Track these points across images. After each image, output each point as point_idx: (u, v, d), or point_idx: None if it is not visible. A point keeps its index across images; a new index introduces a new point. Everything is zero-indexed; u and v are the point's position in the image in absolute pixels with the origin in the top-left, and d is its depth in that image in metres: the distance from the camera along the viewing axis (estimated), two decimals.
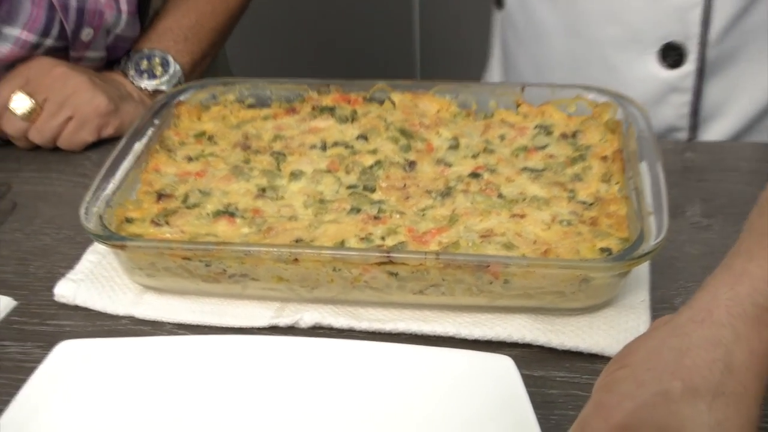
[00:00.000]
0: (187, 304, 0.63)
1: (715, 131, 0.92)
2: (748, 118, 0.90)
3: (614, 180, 0.66)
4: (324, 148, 0.73)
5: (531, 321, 0.59)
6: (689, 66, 0.87)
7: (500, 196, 0.66)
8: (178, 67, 0.92)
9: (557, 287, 0.60)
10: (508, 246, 0.61)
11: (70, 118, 0.85)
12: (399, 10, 1.92)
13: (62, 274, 0.66)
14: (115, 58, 0.94)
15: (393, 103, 0.78)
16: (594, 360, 0.57)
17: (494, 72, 1.11)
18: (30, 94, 0.84)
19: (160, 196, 0.68)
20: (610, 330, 0.58)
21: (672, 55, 0.87)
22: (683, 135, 0.91)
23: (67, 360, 0.55)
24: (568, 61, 0.94)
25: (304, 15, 1.91)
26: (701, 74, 0.88)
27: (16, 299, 0.65)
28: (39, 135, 0.84)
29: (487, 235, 0.62)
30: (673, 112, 0.89)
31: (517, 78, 1.02)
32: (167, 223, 0.65)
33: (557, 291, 0.60)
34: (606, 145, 0.71)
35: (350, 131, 0.75)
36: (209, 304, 0.63)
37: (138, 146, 0.71)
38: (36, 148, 0.85)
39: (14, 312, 0.64)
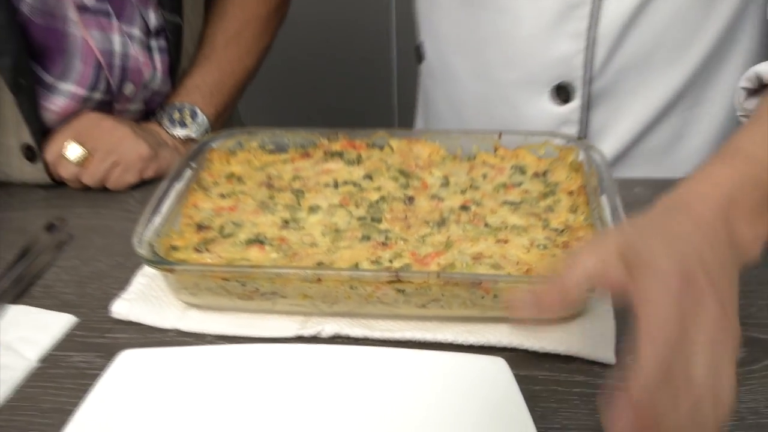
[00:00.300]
0: (225, 318, 0.62)
1: None
2: (626, 142, 0.89)
3: (580, 211, 0.66)
4: (336, 186, 0.72)
5: (516, 329, 0.60)
6: (576, 102, 0.85)
7: (486, 225, 0.66)
8: (204, 118, 0.91)
9: None
10: (496, 266, 0.60)
11: (116, 163, 0.82)
12: (379, 69, 1.93)
13: (116, 294, 0.64)
14: (151, 110, 0.92)
15: (392, 148, 0.76)
16: (569, 361, 0.57)
17: (419, 116, 1.10)
18: (81, 143, 0.81)
19: (200, 227, 0.66)
20: (582, 335, 0.58)
21: (562, 93, 0.85)
22: None
23: (128, 367, 0.55)
24: (478, 101, 0.92)
25: (299, 73, 1.91)
26: (587, 108, 0.87)
27: (77, 317, 0.63)
28: (90, 178, 0.82)
29: (477, 258, 0.62)
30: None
31: (436, 118, 1.01)
32: (207, 250, 0.63)
33: None
34: (571, 182, 0.70)
35: (357, 172, 0.74)
36: (244, 318, 0.62)
37: (178, 186, 0.69)
38: (87, 188, 0.83)
39: (76, 327, 0.63)
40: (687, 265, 0.38)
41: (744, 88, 0.59)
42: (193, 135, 0.90)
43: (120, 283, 0.67)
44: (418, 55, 0.99)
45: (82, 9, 0.80)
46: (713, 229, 0.42)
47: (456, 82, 0.93)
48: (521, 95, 0.88)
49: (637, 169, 0.90)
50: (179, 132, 0.90)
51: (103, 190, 0.83)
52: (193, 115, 0.91)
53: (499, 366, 0.53)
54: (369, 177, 0.73)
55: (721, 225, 0.43)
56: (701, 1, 0.81)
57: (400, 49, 1.88)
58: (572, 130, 0.87)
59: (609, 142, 0.88)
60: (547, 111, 0.87)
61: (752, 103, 0.63)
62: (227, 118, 0.99)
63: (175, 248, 0.64)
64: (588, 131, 0.88)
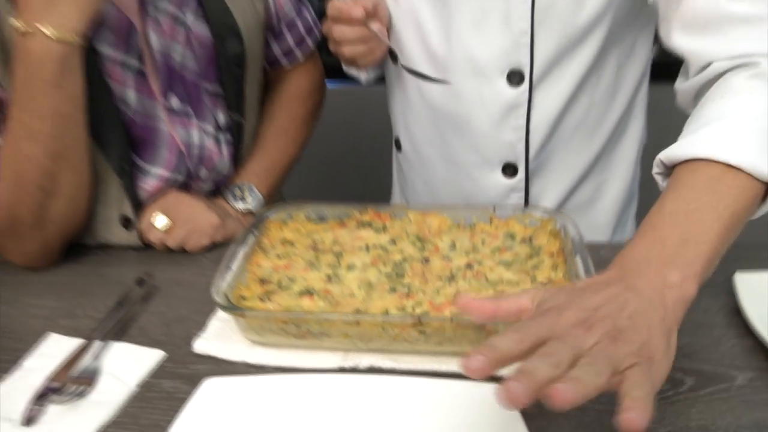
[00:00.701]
0: (283, 353, 0.63)
1: None
2: (557, 202, 0.93)
3: (560, 269, 0.66)
4: (367, 249, 0.72)
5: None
6: (521, 175, 0.89)
7: (486, 279, 0.67)
8: (259, 195, 0.92)
9: None
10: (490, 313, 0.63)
11: (193, 230, 0.82)
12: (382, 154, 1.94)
13: (196, 334, 0.66)
14: (218, 189, 0.93)
15: (410, 219, 0.77)
16: None
17: (396, 193, 1.11)
18: (167, 215, 0.82)
19: (262, 281, 0.67)
20: None
21: (509, 170, 0.89)
22: None
23: (209, 391, 0.57)
24: (447, 179, 0.94)
25: (325, 157, 1.93)
26: (527, 179, 0.90)
27: (165, 352, 0.64)
28: (173, 242, 0.82)
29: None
30: (513, 203, 0.92)
31: (414, 194, 1.02)
32: (269, 299, 0.64)
33: None
34: (552, 245, 0.70)
35: (383, 238, 0.74)
36: (298, 353, 0.63)
37: (243, 249, 0.71)
38: (170, 250, 0.84)
39: (165, 360, 0.64)
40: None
41: (658, 173, 0.61)
42: (251, 208, 0.91)
43: (198, 325, 0.68)
44: (397, 146, 1.00)
45: (170, 110, 0.83)
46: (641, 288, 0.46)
47: (428, 167, 0.95)
48: (480, 173, 0.90)
49: None
50: (240, 206, 0.91)
51: (182, 251, 0.84)
52: (251, 193, 0.92)
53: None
54: (393, 242, 0.74)
55: (650, 279, 0.47)
56: (606, 96, 0.86)
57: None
58: (519, 195, 0.91)
59: (545, 203, 0.92)
60: (500, 183, 0.90)
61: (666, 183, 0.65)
62: (277, 194, 1.01)
63: (243, 297, 0.65)
64: (530, 196, 0.91)
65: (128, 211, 0.82)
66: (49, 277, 0.80)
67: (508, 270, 0.68)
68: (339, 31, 0.84)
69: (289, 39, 0.96)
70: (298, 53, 0.98)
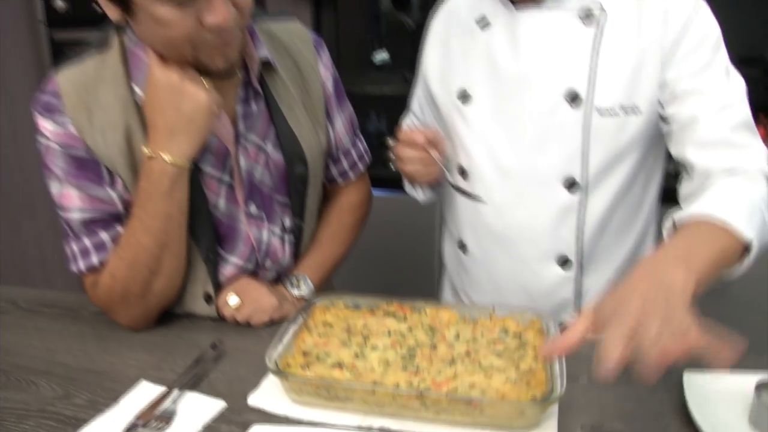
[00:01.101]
0: (316, 410, 0.72)
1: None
2: (602, 289, 0.98)
3: (540, 360, 0.73)
4: (389, 334, 0.81)
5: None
6: (574, 267, 0.96)
7: (479, 365, 0.74)
8: (312, 285, 1.01)
9: (509, 416, 0.67)
10: (483, 392, 0.70)
11: (257, 309, 0.92)
12: (423, 248, 2.07)
13: (252, 391, 0.76)
14: (279, 277, 1.02)
15: (426, 313, 0.85)
16: None
17: (447, 288, 1.15)
18: (238, 295, 0.93)
19: (305, 353, 0.78)
20: None
21: (565, 262, 0.95)
22: (571, 306, 0.99)
23: None
24: (511, 274, 0.99)
25: (370, 255, 2.05)
26: (580, 270, 0.97)
27: (227, 403, 0.74)
28: (241, 317, 0.92)
29: (472, 385, 0.71)
30: (567, 293, 0.98)
31: (478, 290, 1.05)
32: (308, 368, 0.75)
33: (509, 418, 0.67)
34: (537, 341, 0.78)
35: (403, 326, 0.83)
36: (327, 412, 0.71)
37: (294, 327, 0.82)
38: (237, 323, 0.93)
39: (225, 410, 0.74)
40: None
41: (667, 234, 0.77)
42: (304, 295, 1.00)
43: (254, 384, 0.78)
44: (462, 249, 1.05)
45: (249, 215, 0.97)
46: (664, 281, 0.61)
47: (494, 265, 1.00)
48: (540, 266, 0.97)
49: None
50: (296, 292, 1.00)
51: (247, 325, 0.93)
52: (305, 283, 1.01)
53: None
54: (410, 329, 0.83)
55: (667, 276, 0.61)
56: (637, 201, 0.98)
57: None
58: (571, 285, 0.97)
59: (592, 290, 0.99)
60: (557, 275, 0.97)
61: None
62: (327, 283, 1.11)
63: (289, 365, 0.76)
64: (582, 286, 0.99)
65: (210, 289, 0.95)
66: (144, 336, 0.94)
67: (499, 358, 0.76)
68: (404, 152, 0.99)
69: (345, 163, 1.11)
70: (351, 174, 1.12)
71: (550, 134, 0.91)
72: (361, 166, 1.13)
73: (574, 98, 0.90)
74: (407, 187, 1.11)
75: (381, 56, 2.70)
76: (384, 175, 1.12)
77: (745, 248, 0.70)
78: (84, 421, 0.74)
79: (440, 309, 0.87)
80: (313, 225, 1.07)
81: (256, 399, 0.76)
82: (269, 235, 0.99)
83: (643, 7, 0.89)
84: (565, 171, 0.92)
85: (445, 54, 1.03)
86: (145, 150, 0.84)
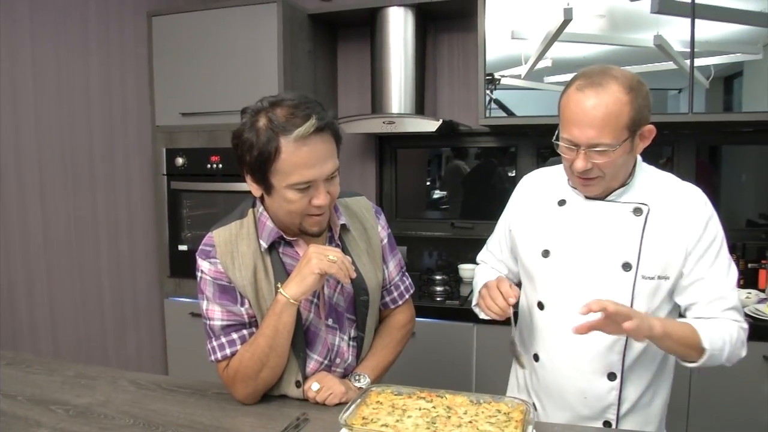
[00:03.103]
0: None
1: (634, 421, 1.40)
2: (638, 398, 1.38)
3: (519, 429, 1.14)
4: (420, 409, 1.20)
5: None
6: (618, 379, 1.34)
7: (478, 428, 1.13)
8: (369, 380, 1.39)
9: None
10: None
11: (332, 394, 1.31)
12: (461, 347, 2.46)
13: None
14: (346, 374, 1.41)
15: (446, 398, 1.24)
16: None
17: (513, 388, 1.56)
18: (318, 383, 1.33)
19: (363, 418, 1.19)
20: None
21: (612, 376, 1.34)
22: (615, 406, 1.37)
23: None
24: (571, 381, 1.37)
25: (416, 357, 2.49)
26: (622, 382, 1.34)
27: None
28: (320, 399, 1.31)
29: None
30: (612, 398, 1.36)
31: (546, 394, 1.43)
32: (366, 426, 1.16)
33: None
34: (518, 417, 1.17)
35: (429, 405, 1.22)
36: None
37: (356, 402, 1.23)
38: (317, 402, 1.32)
39: None
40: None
41: None
42: (363, 386, 1.38)
43: None
44: (536, 359, 1.43)
45: (327, 326, 1.43)
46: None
47: (560, 373, 1.39)
48: (593, 376, 1.36)
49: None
50: (357, 385, 1.39)
51: (323, 404, 1.34)
52: (364, 378, 1.41)
53: None
54: (434, 407, 1.23)
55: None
56: None
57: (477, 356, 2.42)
58: (615, 392, 1.36)
59: (630, 397, 1.38)
60: (606, 384, 1.36)
61: None
62: (381, 378, 1.52)
63: (353, 424, 1.18)
64: (622, 393, 1.36)
65: (300, 378, 1.39)
66: (252, 408, 1.40)
67: (492, 426, 1.18)
68: (488, 304, 1.34)
69: (395, 293, 1.59)
70: (400, 301, 1.60)
71: (606, 286, 1.33)
72: (406, 295, 1.62)
73: (627, 267, 1.33)
74: (479, 311, 1.46)
75: (438, 194, 3.30)
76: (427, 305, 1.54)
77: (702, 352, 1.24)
78: None
79: (456, 395, 1.31)
80: (371, 337, 1.50)
81: None
82: (340, 341, 1.45)
83: (674, 207, 1.32)
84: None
85: (530, 220, 1.45)
86: (280, 288, 1.34)
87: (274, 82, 2.77)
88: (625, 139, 1.24)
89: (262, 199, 1.39)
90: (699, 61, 2.42)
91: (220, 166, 2.91)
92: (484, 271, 1.64)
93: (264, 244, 1.39)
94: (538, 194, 1.48)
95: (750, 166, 2.84)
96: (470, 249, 2.92)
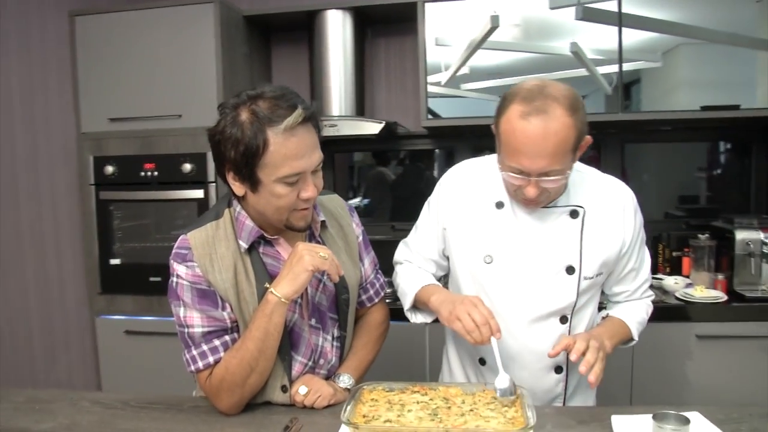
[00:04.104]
0: None
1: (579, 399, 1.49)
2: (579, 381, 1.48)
3: (519, 412, 1.17)
4: (417, 403, 1.22)
5: None
6: (564, 372, 1.43)
7: (480, 416, 1.16)
8: (353, 379, 1.39)
9: None
10: (482, 428, 1.13)
11: (320, 396, 1.30)
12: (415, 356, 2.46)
13: None
14: (329, 376, 1.39)
15: (440, 390, 1.27)
16: None
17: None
18: (306, 386, 1.31)
19: (364, 416, 1.17)
20: None
21: (558, 369, 1.42)
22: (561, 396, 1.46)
23: None
24: (522, 379, 1.35)
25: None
26: (567, 374, 1.43)
27: None
28: (308, 402, 1.30)
29: (477, 426, 1.12)
30: (558, 391, 1.45)
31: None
32: (369, 423, 1.16)
33: None
34: (516, 401, 1.22)
35: (426, 398, 1.24)
36: None
37: (351, 402, 1.20)
38: (305, 406, 1.30)
39: None
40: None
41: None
42: (348, 386, 1.39)
43: None
44: (482, 363, 1.48)
45: (311, 326, 1.40)
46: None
47: (512, 376, 1.31)
48: (542, 373, 1.44)
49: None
50: (342, 385, 1.39)
51: (311, 408, 1.33)
52: (348, 378, 1.41)
53: None
54: (431, 399, 1.25)
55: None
56: (592, 324, 1.48)
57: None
58: (562, 383, 1.45)
59: (572, 386, 1.47)
60: (553, 377, 1.44)
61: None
62: (362, 378, 1.50)
63: (357, 423, 1.16)
64: (567, 383, 1.45)
65: (286, 382, 1.36)
66: (238, 419, 1.33)
67: (492, 412, 1.21)
68: (469, 328, 1.26)
69: (371, 291, 1.59)
70: (376, 299, 1.60)
71: (552, 290, 1.39)
72: (382, 293, 1.61)
73: (570, 270, 1.38)
74: (411, 315, 1.55)
75: (359, 202, 3.33)
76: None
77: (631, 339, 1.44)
78: None
79: (449, 387, 1.32)
80: (352, 336, 1.52)
81: None
82: (323, 341, 1.43)
83: (606, 206, 1.39)
84: (561, 311, 1.40)
85: (467, 222, 1.43)
86: (270, 287, 1.29)
87: (212, 85, 2.67)
88: (572, 159, 1.26)
89: (240, 198, 1.34)
90: (603, 69, 2.59)
91: (156, 173, 2.76)
92: (412, 273, 1.57)
93: (244, 245, 1.34)
94: (471, 193, 1.45)
95: (651, 165, 3.07)
96: None
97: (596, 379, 1.21)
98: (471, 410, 1.21)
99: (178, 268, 1.32)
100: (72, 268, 2.90)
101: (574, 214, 1.38)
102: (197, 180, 2.71)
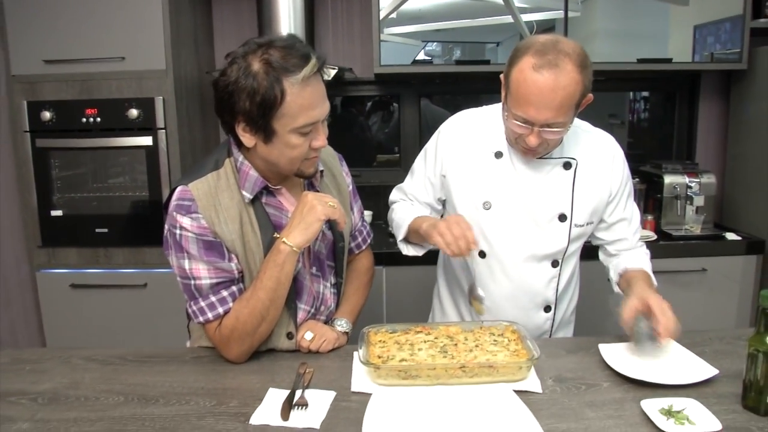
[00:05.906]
0: (395, 387, 1.17)
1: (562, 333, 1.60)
2: (564, 318, 1.59)
3: (521, 345, 1.25)
4: (425, 342, 1.27)
5: (506, 383, 1.16)
6: (552, 310, 1.53)
7: (487, 350, 1.23)
8: (349, 323, 1.43)
9: (512, 372, 1.16)
10: (492, 361, 1.20)
11: (325, 340, 1.33)
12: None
13: (348, 384, 1.21)
14: (327, 321, 1.43)
15: (440, 328, 1.34)
16: (527, 394, 1.13)
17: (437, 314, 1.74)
18: (311, 331, 1.33)
19: (379, 356, 1.22)
20: (527, 383, 1.16)
21: (547, 308, 1.53)
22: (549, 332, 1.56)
23: (375, 400, 1.13)
24: (513, 316, 1.45)
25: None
26: (555, 311, 1.54)
27: (336, 392, 1.19)
28: (314, 347, 1.32)
29: (487, 359, 1.20)
30: (548, 325, 1.55)
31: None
32: (382, 362, 1.21)
33: (512, 373, 1.16)
34: (514, 335, 1.31)
35: (430, 337, 1.30)
36: (403, 387, 1.16)
37: (362, 345, 1.25)
38: (310, 351, 1.33)
39: (337, 396, 1.16)
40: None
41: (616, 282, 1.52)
42: (346, 330, 1.43)
43: (342, 383, 1.21)
44: (479, 300, 1.45)
45: (312, 274, 1.41)
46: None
47: (504, 315, 1.49)
48: (533, 311, 1.54)
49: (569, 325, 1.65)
50: (341, 329, 1.42)
51: (316, 352, 1.36)
52: (347, 323, 1.44)
53: (509, 390, 1.13)
54: (436, 338, 1.30)
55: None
56: (576, 268, 1.59)
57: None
58: (550, 320, 1.55)
59: (557, 320, 1.57)
60: (542, 315, 1.54)
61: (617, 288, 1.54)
62: (356, 321, 1.54)
63: (374, 363, 1.22)
64: (554, 321, 1.56)
65: (292, 329, 1.38)
66: (248, 365, 1.34)
67: (496, 346, 1.29)
68: (448, 240, 1.29)
69: (359, 238, 1.61)
70: (363, 246, 1.63)
71: (545, 236, 1.46)
72: (369, 240, 1.65)
73: (562, 218, 1.45)
74: (403, 247, 1.59)
75: None
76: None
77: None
78: (245, 415, 1.12)
79: (449, 326, 1.39)
80: (342, 282, 1.56)
81: (355, 385, 1.20)
82: (323, 288, 1.45)
83: (597, 158, 1.46)
84: (553, 256, 1.48)
85: (467, 169, 1.47)
86: (280, 235, 1.29)
87: (158, 26, 2.49)
88: (574, 114, 1.31)
89: (243, 148, 1.30)
90: (526, 17, 2.66)
91: (98, 119, 2.58)
92: (408, 209, 1.59)
93: (248, 195, 1.32)
94: (472, 142, 1.49)
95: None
96: (364, 196, 2.87)
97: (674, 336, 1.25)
98: (476, 346, 1.29)
99: (182, 220, 1.28)
100: (8, 222, 2.70)
101: (567, 165, 1.46)
102: (145, 126, 2.57)
